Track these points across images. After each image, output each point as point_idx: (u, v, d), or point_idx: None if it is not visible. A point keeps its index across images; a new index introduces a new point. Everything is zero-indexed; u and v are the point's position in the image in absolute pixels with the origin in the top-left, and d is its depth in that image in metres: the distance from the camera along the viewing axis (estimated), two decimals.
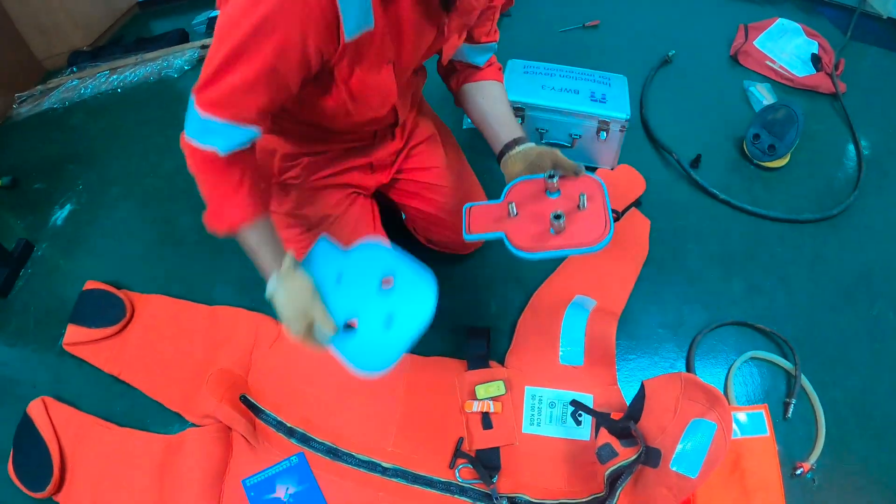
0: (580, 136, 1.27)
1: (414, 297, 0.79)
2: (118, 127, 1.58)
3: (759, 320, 1.17)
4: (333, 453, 1.03)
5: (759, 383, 1.14)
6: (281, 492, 1.01)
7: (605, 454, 0.94)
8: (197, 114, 0.73)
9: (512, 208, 0.84)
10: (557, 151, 0.87)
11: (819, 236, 1.31)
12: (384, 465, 1.01)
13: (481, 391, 1.02)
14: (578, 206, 0.82)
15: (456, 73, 1.03)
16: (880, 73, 1.70)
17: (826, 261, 1.28)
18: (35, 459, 1.06)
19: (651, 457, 0.93)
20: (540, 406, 1.03)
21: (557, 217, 0.78)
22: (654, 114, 1.49)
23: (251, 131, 0.76)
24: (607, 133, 1.24)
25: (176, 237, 1.32)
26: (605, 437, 0.96)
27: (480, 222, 0.86)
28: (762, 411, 1.04)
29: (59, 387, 1.16)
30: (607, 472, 0.93)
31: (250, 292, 1.18)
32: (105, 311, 1.20)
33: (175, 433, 1.07)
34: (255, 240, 0.81)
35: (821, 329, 1.19)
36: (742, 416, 1.04)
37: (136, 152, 1.51)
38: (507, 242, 0.81)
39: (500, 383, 1.02)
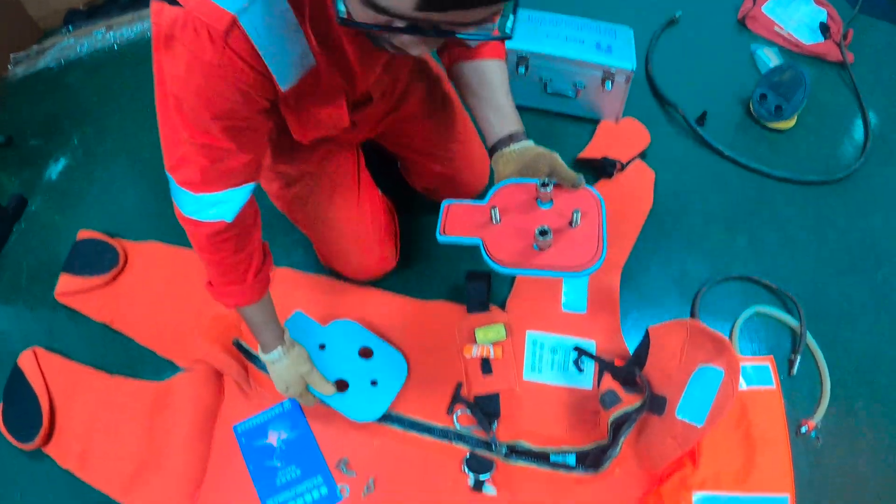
0: (584, 87, 1.25)
1: (390, 363, 1.01)
2: (115, 83, 1.56)
3: (764, 277, 1.15)
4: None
5: (763, 339, 1.11)
6: (273, 438, 0.99)
7: (609, 400, 0.92)
8: (187, 193, 0.71)
9: (495, 214, 0.73)
10: (557, 156, 0.77)
11: (823, 199, 1.29)
12: None
13: (481, 335, 0.99)
14: (570, 223, 0.72)
15: (447, 49, 0.88)
16: (888, 46, 1.67)
17: (831, 223, 1.26)
18: (24, 410, 1.04)
19: (656, 404, 0.90)
20: (541, 352, 1.01)
21: (543, 233, 0.69)
22: (659, 71, 1.47)
23: (250, 185, 0.75)
24: (612, 84, 1.21)
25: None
26: (609, 383, 0.94)
27: (458, 224, 0.76)
28: (768, 364, 1.02)
29: (52, 338, 1.14)
30: (611, 419, 0.91)
31: None
32: (98, 260, 1.18)
33: (166, 380, 1.05)
34: (257, 316, 0.87)
35: (825, 289, 1.17)
36: (748, 368, 1.02)
37: (133, 107, 1.48)
38: (483, 252, 0.72)
39: (501, 327, 1.00)
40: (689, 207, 1.25)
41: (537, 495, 0.93)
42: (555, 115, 1.37)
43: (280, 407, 1.01)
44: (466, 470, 0.93)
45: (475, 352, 0.99)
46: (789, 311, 1.14)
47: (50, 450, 1.02)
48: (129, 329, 1.12)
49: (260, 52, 0.61)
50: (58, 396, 1.06)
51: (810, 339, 1.11)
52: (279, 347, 0.89)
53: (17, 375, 1.07)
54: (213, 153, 0.68)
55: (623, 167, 1.20)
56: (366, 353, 1.02)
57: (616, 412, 0.90)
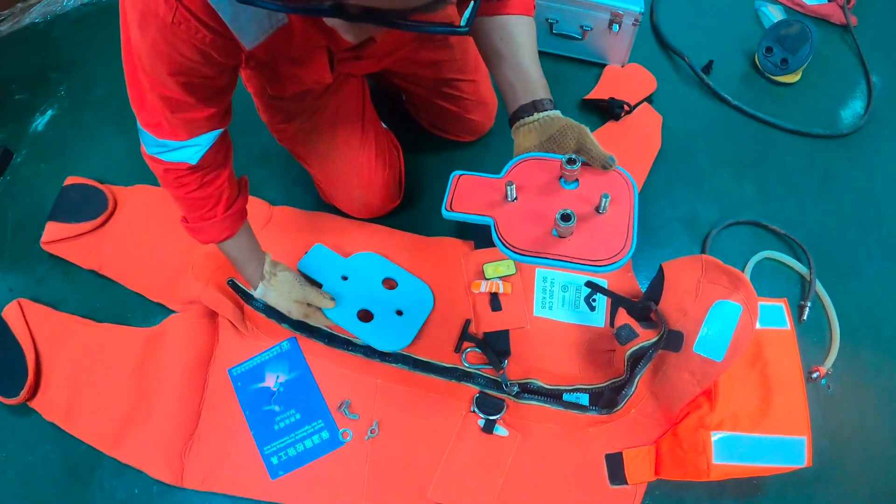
0: (591, 29, 1.22)
1: (416, 294, 0.99)
2: (101, 34, 1.51)
3: (772, 223, 1.14)
4: (330, 339, 0.95)
5: (773, 286, 1.10)
6: (271, 380, 0.94)
7: (625, 335, 0.88)
8: (151, 136, 0.69)
9: (511, 190, 0.65)
10: (586, 130, 0.67)
11: (829, 153, 1.28)
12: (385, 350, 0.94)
13: (490, 270, 0.96)
14: (598, 209, 0.63)
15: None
16: (891, 12, 1.68)
17: (836, 177, 1.25)
18: (8, 364, 0.98)
19: (673, 340, 0.87)
20: (552, 289, 0.97)
21: (565, 218, 0.59)
22: (664, 20, 1.46)
23: (216, 132, 0.72)
24: (620, 26, 1.19)
25: None
26: (624, 318, 0.91)
27: (468, 198, 0.67)
28: (782, 305, 0.99)
29: (38, 290, 1.09)
30: (627, 354, 0.88)
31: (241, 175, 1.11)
32: (86, 205, 1.12)
33: (157, 325, 1.00)
34: (234, 252, 0.86)
35: (832, 239, 1.16)
36: (762, 307, 0.99)
37: (120, 56, 1.43)
38: (494, 235, 0.64)
39: (511, 262, 0.96)
40: (696, 152, 1.23)
41: (550, 436, 0.89)
42: (560, 58, 1.35)
43: (278, 348, 0.96)
44: (476, 410, 0.89)
45: (484, 287, 0.95)
46: (798, 259, 1.12)
47: (35, 404, 0.97)
48: (118, 275, 1.07)
49: (217, 11, 0.56)
50: (43, 348, 1.00)
51: (819, 287, 1.10)
52: (260, 283, 0.89)
53: (2, 328, 1.01)
54: (172, 104, 0.65)
55: (631, 109, 1.18)
56: (390, 284, 1.00)
57: (632, 347, 0.87)
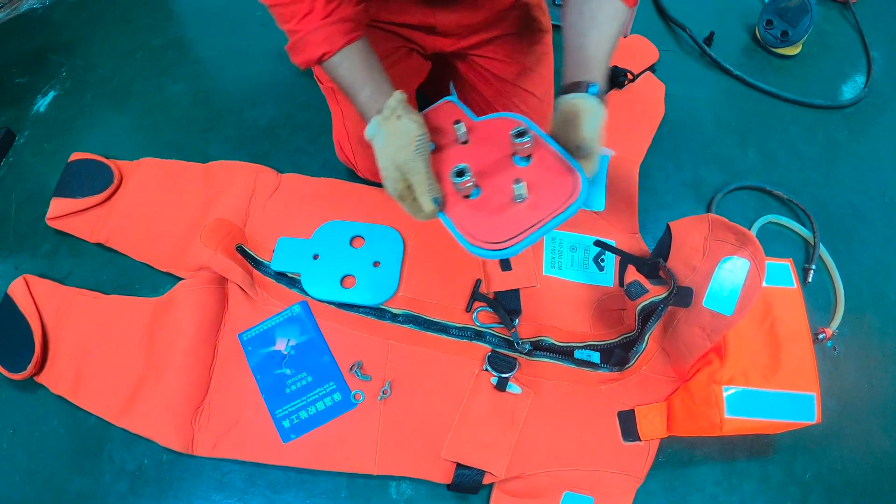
0: None
1: (384, 240, 0.99)
2: (103, 14, 1.50)
3: (776, 189, 1.15)
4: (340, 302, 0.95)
5: (777, 250, 1.11)
6: (281, 344, 0.94)
7: (635, 290, 0.88)
8: None
9: (461, 130, 0.66)
10: (593, 114, 0.63)
11: (831, 123, 1.30)
12: (394, 311, 0.94)
13: None
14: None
15: None
16: None
17: (838, 145, 1.27)
18: (15, 339, 0.97)
19: (682, 295, 0.87)
20: (561, 249, 0.97)
21: (460, 174, 0.60)
22: None
23: None
24: None
25: (167, 104, 1.25)
26: (634, 276, 0.91)
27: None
28: (787, 264, 1.00)
29: (45, 266, 1.08)
30: (638, 309, 0.88)
31: (248, 147, 1.11)
32: (92, 180, 1.12)
33: (165, 294, 1.00)
34: (345, 74, 0.68)
35: (835, 205, 1.18)
36: (769, 265, 1.00)
37: (122, 34, 1.43)
38: (460, 239, 0.63)
39: None
40: (699, 120, 1.25)
41: (563, 394, 0.89)
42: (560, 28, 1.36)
43: (289, 311, 0.96)
44: (489, 369, 0.89)
45: None
46: (801, 224, 1.13)
47: (42, 378, 0.96)
48: (125, 246, 1.06)
49: None
50: (50, 322, 0.99)
51: (823, 251, 1.11)
52: (373, 119, 0.67)
53: (8, 304, 1.01)
54: None
55: (634, 78, 1.18)
56: (358, 242, 1.01)
57: (643, 302, 0.87)
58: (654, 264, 0.90)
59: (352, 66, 0.67)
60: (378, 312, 0.94)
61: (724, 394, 0.86)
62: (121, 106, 1.29)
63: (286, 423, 0.90)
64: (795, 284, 0.97)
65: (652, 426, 0.89)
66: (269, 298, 0.97)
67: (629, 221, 1.02)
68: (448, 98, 0.72)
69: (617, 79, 1.16)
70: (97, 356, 0.96)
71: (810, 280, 1.08)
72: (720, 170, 1.18)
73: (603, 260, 0.97)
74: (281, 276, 0.97)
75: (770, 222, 1.12)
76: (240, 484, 0.90)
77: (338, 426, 0.89)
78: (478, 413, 0.87)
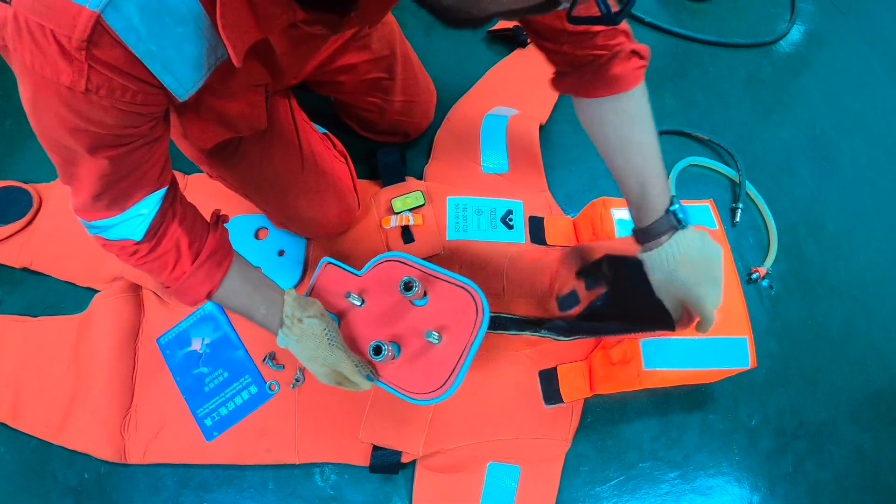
0: None
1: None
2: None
3: (695, 131, 1.12)
4: None
5: (701, 191, 1.08)
6: (197, 344, 0.94)
7: (568, 302, 0.84)
8: (85, 222, 0.58)
9: (355, 299, 0.69)
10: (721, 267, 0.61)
11: (753, 61, 1.27)
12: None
13: (398, 204, 0.95)
14: (430, 338, 0.66)
15: (564, 59, 0.66)
16: None
17: (762, 81, 1.24)
18: None
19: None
20: (465, 214, 0.96)
21: (377, 351, 0.66)
22: None
23: (157, 194, 0.58)
24: None
25: None
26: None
27: (327, 290, 0.72)
28: (707, 205, 0.97)
29: None
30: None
31: None
32: (12, 206, 1.12)
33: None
34: (235, 303, 0.68)
35: (761, 141, 1.15)
36: (686, 208, 0.96)
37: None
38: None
39: (418, 193, 0.95)
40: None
41: (478, 362, 0.87)
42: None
43: (201, 311, 0.95)
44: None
45: (394, 222, 0.94)
46: (726, 164, 1.10)
47: None
48: (48, 267, 1.07)
49: (141, 59, 0.44)
50: None
51: (750, 189, 1.08)
52: (279, 333, 0.67)
53: None
54: (102, 183, 0.53)
55: None
56: (262, 233, 1.01)
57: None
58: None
59: (237, 293, 0.67)
60: None
61: (641, 346, 0.83)
62: (30, 131, 1.28)
63: (208, 422, 0.90)
64: (717, 225, 0.95)
65: (574, 387, 0.87)
66: None
67: (535, 180, 1.00)
68: (324, 260, 0.75)
69: (519, 37, 1.14)
70: (32, 379, 0.97)
71: (738, 220, 1.05)
72: None
73: (511, 220, 0.94)
74: None
75: (691, 165, 1.08)
76: (173, 486, 0.90)
77: (257, 419, 0.89)
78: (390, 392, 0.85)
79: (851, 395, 0.99)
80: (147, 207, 0.57)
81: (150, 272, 0.63)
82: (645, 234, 0.63)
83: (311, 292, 0.68)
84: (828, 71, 1.26)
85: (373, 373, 0.69)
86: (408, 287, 0.64)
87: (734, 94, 1.20)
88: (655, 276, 0.62)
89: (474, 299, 0.66)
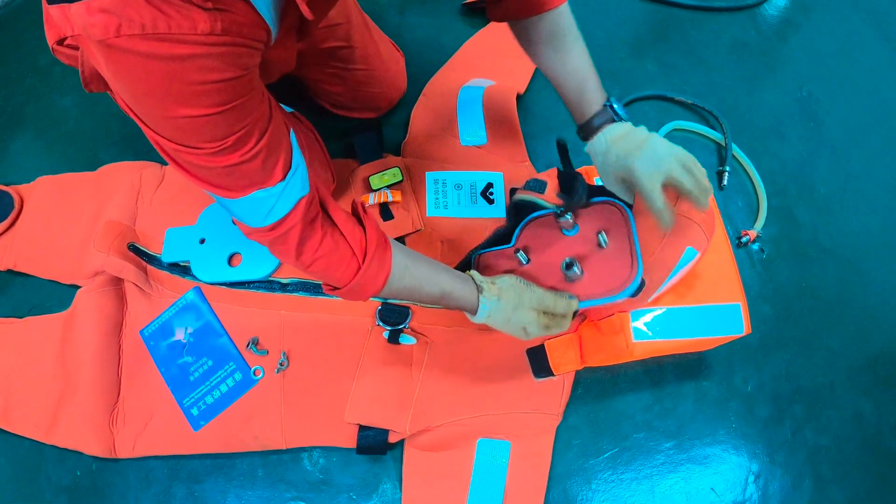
0: None
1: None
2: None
3: (679, 96, 1.09)
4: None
5: None
6: (180, 333, 0.93)
7: (532, 184, 0.83)
8: (237, 200, 0.56)
9: (522, 256, 0.72)
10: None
11: (737, 24, 1.24)
12: (283, 281, 0.92)
13: (376, 181, 0.93)
14: (599, 245, 0.71)
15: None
16: None
17: (746, 46, 1.21)
18: None
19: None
20: (445, 189, 0.94)
21: (569, 266, 0.68)
22: None
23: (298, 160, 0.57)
24: None
25: (58, 120, 1.22)
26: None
27: (489, 273, 0.74)
28: None
29: None
30: (515, 199, 0.84)
31: (135, 145, 1.10)
32: None
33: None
34: (409, 284, 0.66)
35: (747, 104, 1.13)
36: None
37: (12, 59, 1.35)
38: None
39: (396, 170, 0.94)
40: (588, 38, 1.15)
41: (460, 337, 0.86)
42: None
43: (183, 300, 0.94)
44: (381, 324, 0.87)
45: (372, 199, 0.92)
46: (712, 128, 1.08)
47: None
48: (32, 267, 1.06)
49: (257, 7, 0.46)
50: None
51: (738, 152, 1.06)
52: (481, 299, 0.68)
53: None
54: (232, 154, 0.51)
55: None
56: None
57: (522, 196, 0.81)
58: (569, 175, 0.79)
59: (414, 273, 0.67)
60: (268, 285, 0.92)
61: (630, 317, 0.81)
62: (16, 131, 1.27)
63: (195, 411, 0.89)
64: None
65: (565, 359, 0.85)
66: (164, 291, 0.96)
67: (515, 150, 0.98)
68: (471, 254, 0.81)
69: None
70: (21, 380, 0.96)
71: (725, 183, 1.03)
72: (616, 84, 1.12)
73: (492, 193, 0.93)
74: (174, 267, 0.96)
75: (676, 129, 1.06)
76: (164, 479, 0.89)
77: (243, 406, 0.88)
78: (374, 370, 0.85)
79: (849, 358, 0.96)
80: (300, 177, 0.58)
81: (325, 269, 0.62)
82: (587, 128, 0.69)
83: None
84: (814, 33, 1.24)
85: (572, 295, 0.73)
86: (559, 214, 0.71)
87: (718, 59, 1.17)
88: (597, 161, 0.69)
89: (615, 206, 0.73)
